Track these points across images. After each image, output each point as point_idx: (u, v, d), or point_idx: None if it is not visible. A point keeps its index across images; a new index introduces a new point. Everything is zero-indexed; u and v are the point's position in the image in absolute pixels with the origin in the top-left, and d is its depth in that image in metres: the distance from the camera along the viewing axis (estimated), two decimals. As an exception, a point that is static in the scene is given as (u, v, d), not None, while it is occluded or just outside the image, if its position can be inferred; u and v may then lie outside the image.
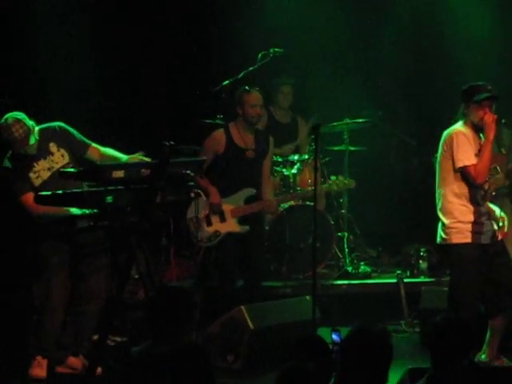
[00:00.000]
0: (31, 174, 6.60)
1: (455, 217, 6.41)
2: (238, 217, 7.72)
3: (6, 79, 8.33)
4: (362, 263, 8.94)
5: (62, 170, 6.40)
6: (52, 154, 6.66)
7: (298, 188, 8.60)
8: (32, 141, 6.55)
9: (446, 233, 6.46)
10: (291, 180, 8.62)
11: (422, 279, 8.64)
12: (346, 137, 8.99)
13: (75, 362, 6.78)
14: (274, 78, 9.25)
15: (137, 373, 4.83)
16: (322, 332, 5.72)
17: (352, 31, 9.51)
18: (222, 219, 7.72)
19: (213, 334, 7.01)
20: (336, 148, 9.11)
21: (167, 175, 5.65)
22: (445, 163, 6.45)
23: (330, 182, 8.23)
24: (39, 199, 6.07)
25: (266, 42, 8.88)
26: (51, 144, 6.68)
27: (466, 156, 6.36)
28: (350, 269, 8.74)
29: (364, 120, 8.97)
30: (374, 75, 9.65)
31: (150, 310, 5.15)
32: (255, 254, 7.81)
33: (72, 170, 6.20)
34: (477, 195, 6.44)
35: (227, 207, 7.71)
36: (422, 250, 8.77)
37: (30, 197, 6.41)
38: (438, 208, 6.51)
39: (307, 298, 7.13)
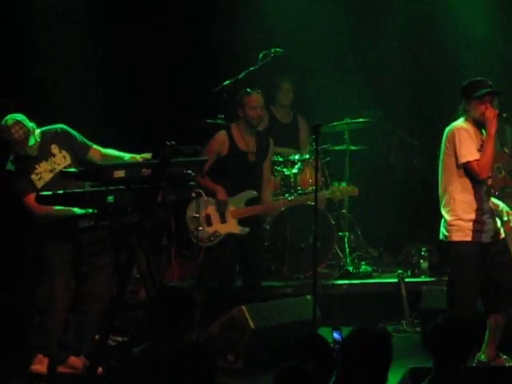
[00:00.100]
0: (33, 176, 6.64)
1: (457, 214, 6.40)
2: (238, 218, 7.72)
3: (6, 79, 8.34)
4: (363, 263, 8.94)
5: (63, 170, 6.44)
6: (54, 155, 6.70)
7: (299, 188, 8.60)
8: (31, 142, 6.58)
9: (447, 230, 6.45)
10: (292, 180, 8.62)
11: (422, 279, 8.64)
12: (346, 136, 8.99)
13: (76, 361, 6.79)
14: (274, 77, 9.24)
15: (137, 373, 4.83)
16: (323, 332, 5.71)
17: (352, 31, 9.51)
18: (223, 220, 7.72)
19: (213, 334, 7.02)
20: (337, 148, 9.11)
21: (168, 175, 5.65)
22: (448, 160, 6.44)
23: (334, 188, 8.24)
24: (40, 199, 6.07)
25: (266, 42, 8.89)
26: (53, 146, 6.72)
27: (469, 151, 6.35)
28: (350, 268, 8.74)
29: (364, 120, 8.96)
30: (374, 75, 9.65)
31: (150, 310, 5.15)
32: (254, 254, 7.82)
33: (73, 170, 6.22)
34: (480, 191, 6.42)
35: (228, 208, 7.71)
36: (423, 249, 8.77)
37: (32, 197, 6.42)
38: (442, 205, 6.50)
39: (308, 297, 7.13)
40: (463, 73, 8.80)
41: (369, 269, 8.84)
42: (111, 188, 5.69)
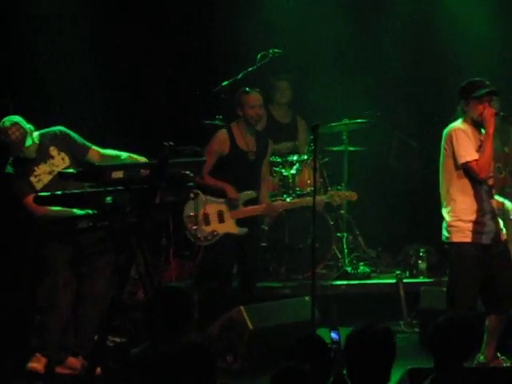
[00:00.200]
0: (32, 178, 6.69)
1: (457, 215, 6.40)
2: (236, 218, 7.73)
3: (6, 79, 8.34)
4: (361, 263, 8.95)
5: (61, 171, 6.45)
6: (52, 157, 6.74)
7: (297, 189, 8.60)
8: (28, 142, 6.61)
9: (447, 231, 6.45)
10: (290, 180, 8.62)
11: (421, 279, 8.64)
12: (345, 137, 8.99)
13: (75, 362, 6.80)
14: (272, 77, 9.24)
15: (136, 373, 4.83)
16: (321, 332, 5.72)
17: (352, 31, 9.50)
18: (221, 220, 7.73)
19: (212, 335, 7.02)
20: (335, 148, 9.11)
21: (167, 176, 5.65)
22: (447, 161, 6.44)
23: (332, 193, 8.25)
24: (38, 200, 6.08)
25: (265, 42, 8.88)
26: (51, 148, 6.76)
27: (468, 152, 6.34)
28: (349, 269, 8.75)
29: (363, 120, 8.96)
30: (374, 75, 9.64)
31: (148, 310, 5.16)
32: (251, 254, 7.81)
33: (71, 171, 6.24)
34: (481, 191, 6.42)
35: (226, 208, 7.72)
36: (422, 250, 8.77)
37: (31, 199, 6.43)
38: (443, 206, 6.49)
39: (306, 298, 7.13)
40: (463, 73, 8.80)
41: (367, 269, 8.84)
42: (110, 189, 5.69)
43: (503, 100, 7.60)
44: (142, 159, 6.50)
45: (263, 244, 8.34)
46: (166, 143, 5.55)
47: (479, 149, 6.38)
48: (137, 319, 7.10)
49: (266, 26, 9.18)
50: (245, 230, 7.70)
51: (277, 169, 8.69)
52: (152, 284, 5.77)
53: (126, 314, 7.16)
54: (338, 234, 8.93)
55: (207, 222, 7.70)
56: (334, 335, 5.04)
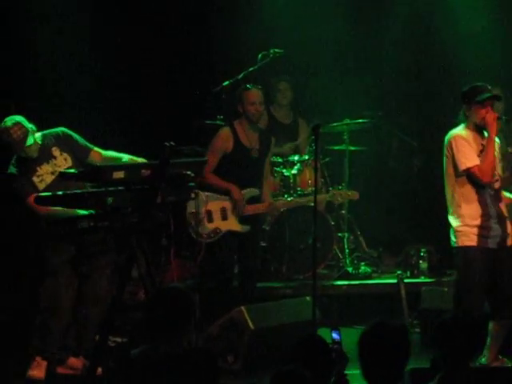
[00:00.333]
0: (34, 178, 6.71)
1: (463, 220, 6.41)
2: (239, 216, 7.71)
3: (6, 79, 8.34)
4: (363, 264, 8.93)
5: (62, 171, 6.46)
6: (55, 157, 6.76)
7: (298, 189, 8.59)
8: (30, 141, 6.62)
9: (454, 236, 6.47)
10: (291, 181, 8.61)
11: (422, 279, 8.63)
12: (346, 137, 8.99)
13: (76, 362, 6.80)
14: (272, 77, 9.24)
15: (136, 374, 4.83)
16: (322, 333, 5.71)
17: (352, 31, 9.50)
18: (224, 217, 7.70)
19: (213, 335, 7.01)
20: (336, 148, 9.10)
21: (168, 176, 5.65)
22: (449, 169, 6.46)
23: (334, 192, 8.23)
24: (39, 200, 6.08)
25: (266, 42, 8.88)
26: (54, 148, 6.78)
27: (467, 158, 6.35)
28: (350, 269, 8.74)
29: (364, 120, 8.96)
30: (374, 75, 9.64)
31: (148, 311, 5.15)
32: (252, 254, 7.80)
33: (72, 171, 6.25)
34: (485, 196, 6.42)
35: (229, 205, 7.70)
36: (423, 250, 8.76)
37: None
38: (449, 213, 6.50)
39: (307, 298, 7.13)
40: (463, 73, 8.82)
41: (368, 269, 8.83)
42: (110, 189, 5.69)
43: (505, 101, 7.62)
44: (143, 161, 6.49)
45: (264, 244, 8.33)
46: (167, 143, 5.54)
47: (481, 153, 6.38)
48: (138, 319, 7.10)
49: (266, 25, 9.19)
50: (247, 227, 7.68)
51: (278, 169, 8.68)
52: (153, 284, 5.76)
53: (127, 314, 7.15)
54: (339, 234, 8.93)
55: (210, 219, 7.67)
56: (334, 335, 5.03)
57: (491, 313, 6.50)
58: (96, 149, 6.85)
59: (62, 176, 6.16)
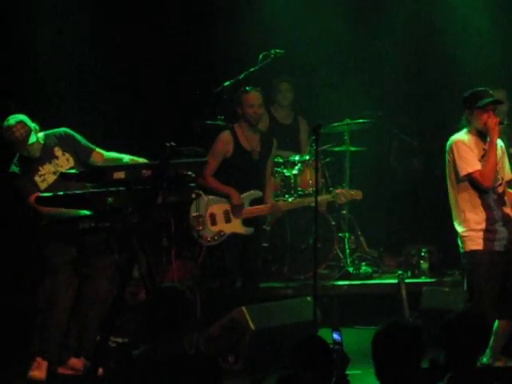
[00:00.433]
0: (37, 178, 6.74)
1: (468, 225, 6.40)
2: (242, 218, 7.71)
3: (6, 79, 8.34)
4: (363, 264, 8.94)
5: (63, 171, 6.48)
6: (57, 157, 6.79)
7: (299, 189, 8.58)
8: (32, 139, 6.63)
9: (461, 241, 6.46)
10: (292, 181, 8.60)
11: (423, 279, 8.63)
12: (346, 137, 8.98)
13: (76, 362, 6.80)
14: (273, 78, 9.24)
15: (137, 374, 4.82)
16: (323, 333, 5.71)
17: (352, 31, 9.50)
18: (227, 220, 7.69)
19: (214, 335, 7.01)
20: (337, 149, 9.10)
21: (168, 176, 5.64)
22: (451, 174, 6.46)
23: (338, 191, 8.23)
24: (40, 201, 6.09)
25: (266, 42, 8.87)
26: (56, 148, 6.81)
27: (469, 163, 6.35)
28: (351, 269, 8.74)
29: (365, 120, 8.96)
30: (374, 75, 9.64)
31: (148, 311, 5.14)
32: (254, 254, 7.80)
33: (73, 171, 6.26)
34: (488, 200, 6.41)
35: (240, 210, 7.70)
36: (424, 250, 8.76)
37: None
38: (454, 218, 6.50)
39: (308, 298, 7.13)
40: (463, 73, 8.82)
41: (369, 270, 8.83)
42: (111, 189, 5.69)
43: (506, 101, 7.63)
44: (144, 162, 6.50)
45: (265, 244, 8.33)
46: (167, 143, 5.54)
47: (482, 158, 6.38)
48: (139, 320, 7.09)
49: (267, 26, 9.19)
50: (251, 229, 7.68)
51: (278, 169, 8.67)
52: (154, 285, 5.75)
53: (127, 314, 7.15)
54: (340, 235, 8.93)
55: (214, 222, 7.67)
56: (335, 336, 5.03)
57: (500, 313, 6.49)
58: (98, 150, 6.88)
59: (63, 176, 6.16)
